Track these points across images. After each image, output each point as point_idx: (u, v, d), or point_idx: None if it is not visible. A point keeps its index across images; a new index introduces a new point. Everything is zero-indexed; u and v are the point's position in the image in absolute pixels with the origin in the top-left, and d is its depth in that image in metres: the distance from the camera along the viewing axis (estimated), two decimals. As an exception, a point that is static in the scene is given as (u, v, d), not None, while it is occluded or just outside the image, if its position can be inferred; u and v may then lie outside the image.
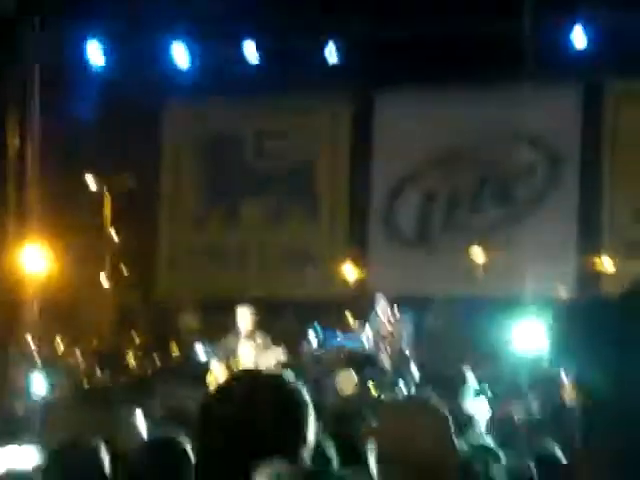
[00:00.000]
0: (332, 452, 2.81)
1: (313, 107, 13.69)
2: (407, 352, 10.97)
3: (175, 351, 13.41)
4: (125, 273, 13.93)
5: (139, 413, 9.74)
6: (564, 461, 4.15)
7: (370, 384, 10.68)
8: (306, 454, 1.75)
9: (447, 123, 12.98)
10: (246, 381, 1.83)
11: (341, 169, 13.56)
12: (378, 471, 2.24)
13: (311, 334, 11.63)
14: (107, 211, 13.50)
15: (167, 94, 13.77)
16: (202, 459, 1.73)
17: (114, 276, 13.77)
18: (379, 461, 2.32)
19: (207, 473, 1.71)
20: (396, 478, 1.64)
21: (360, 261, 13.29)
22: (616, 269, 12.09)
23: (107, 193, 13.55)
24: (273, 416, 1.71)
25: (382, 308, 11.58)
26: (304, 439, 1.75)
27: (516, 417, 8.53)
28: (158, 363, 12.81)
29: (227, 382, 1.85)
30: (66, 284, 12.58)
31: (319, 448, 2.65)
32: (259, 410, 1.72)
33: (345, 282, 13.25)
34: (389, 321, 11.30)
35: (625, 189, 12.24)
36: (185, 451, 3.36)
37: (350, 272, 13.29)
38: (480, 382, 11.25)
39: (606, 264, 12.11)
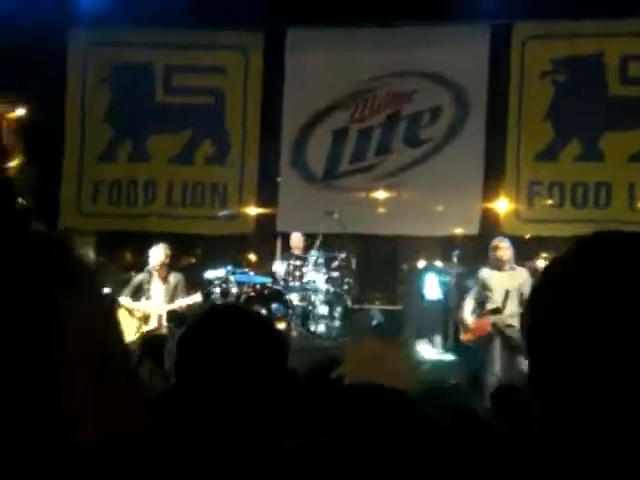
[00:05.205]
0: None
1: (224, 43, 13.49)
2: (317, 288, 11.11)
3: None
4: (27, 205, 13.61)
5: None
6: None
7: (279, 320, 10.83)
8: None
9: (356, 61, 13.01)
10: (222, 315, 1.90)
11: (252, 106, 13.44)
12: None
13: (219, 271, 11.64)
14: (10, 140, 13.07)
15: (73, 21, 13.36)
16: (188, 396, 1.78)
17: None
18: None
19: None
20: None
21: (270, 199, 13.30)
22: (518, 210, 12.46)
23: (6, 124, 13.12)
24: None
25: (292, 245, 11.67)
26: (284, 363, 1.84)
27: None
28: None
29: (200, 317, 1.91)
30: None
31: None
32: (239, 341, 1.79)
33: (254, 219, 13.27)
34: (298, 258, 11.39)
35: (528, 132, 12.52)
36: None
37: (259, 210, 13.29)
38: (385, 320, 11.56)
39: (509, 205, 12.46)
